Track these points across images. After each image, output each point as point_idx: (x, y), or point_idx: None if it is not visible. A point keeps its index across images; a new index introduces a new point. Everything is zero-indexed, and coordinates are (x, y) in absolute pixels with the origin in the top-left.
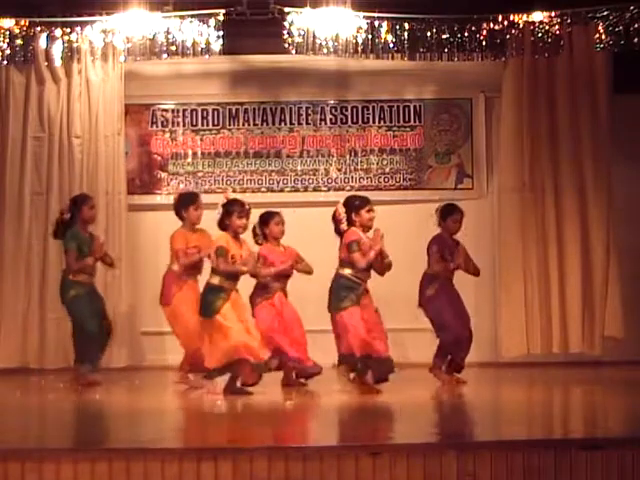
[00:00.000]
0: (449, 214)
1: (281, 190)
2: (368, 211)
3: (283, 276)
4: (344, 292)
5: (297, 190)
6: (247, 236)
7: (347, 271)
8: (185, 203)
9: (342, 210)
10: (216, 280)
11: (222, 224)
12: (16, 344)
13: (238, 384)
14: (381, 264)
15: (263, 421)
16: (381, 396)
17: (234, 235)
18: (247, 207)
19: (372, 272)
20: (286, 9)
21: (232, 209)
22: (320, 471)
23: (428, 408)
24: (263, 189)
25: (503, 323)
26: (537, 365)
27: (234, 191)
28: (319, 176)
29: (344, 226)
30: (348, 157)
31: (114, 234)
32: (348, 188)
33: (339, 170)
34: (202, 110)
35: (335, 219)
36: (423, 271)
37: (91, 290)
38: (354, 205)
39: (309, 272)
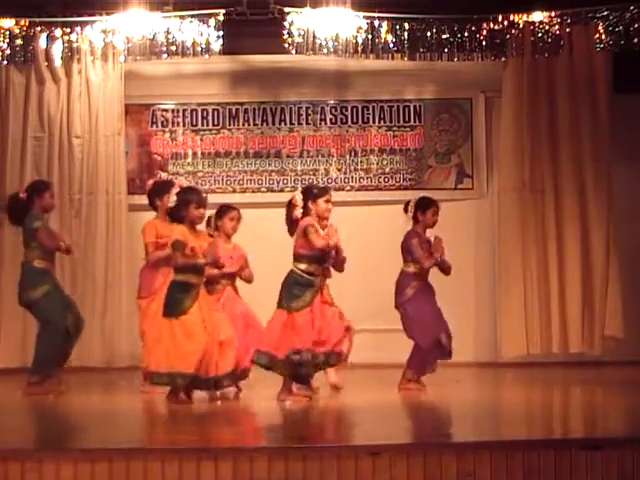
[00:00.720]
0: (428, 207)
1: (281, 190)
2: (326, 201)
3: (229, 274)
4: (297, 289)
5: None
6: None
7: (301, 266)
8: (160, 192)
9: (299, 197)
10: (180, 277)
11: (177, 215)
12: (16, 344)
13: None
14: (337, 259)
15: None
16: (378, 397)
17: (191, 226)
18: (205, 196)
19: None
20: (286, 9)
21: (189, 198)
22: (320, 471)
23: (427, 408)
24: (263, 189)
25: (503, 323)
26: (537, 365)
27: (234, 191)
28: (319, 176)
29: (298, 212)
30: (348, 157)
31: (114, 234)
32: (348, 188)
33: (339, 170)
34: (202, 110)
35: (290, 204)
36: (400, 270)
37: (56, 282)
38: (312, 193)
39: (249, 281)
